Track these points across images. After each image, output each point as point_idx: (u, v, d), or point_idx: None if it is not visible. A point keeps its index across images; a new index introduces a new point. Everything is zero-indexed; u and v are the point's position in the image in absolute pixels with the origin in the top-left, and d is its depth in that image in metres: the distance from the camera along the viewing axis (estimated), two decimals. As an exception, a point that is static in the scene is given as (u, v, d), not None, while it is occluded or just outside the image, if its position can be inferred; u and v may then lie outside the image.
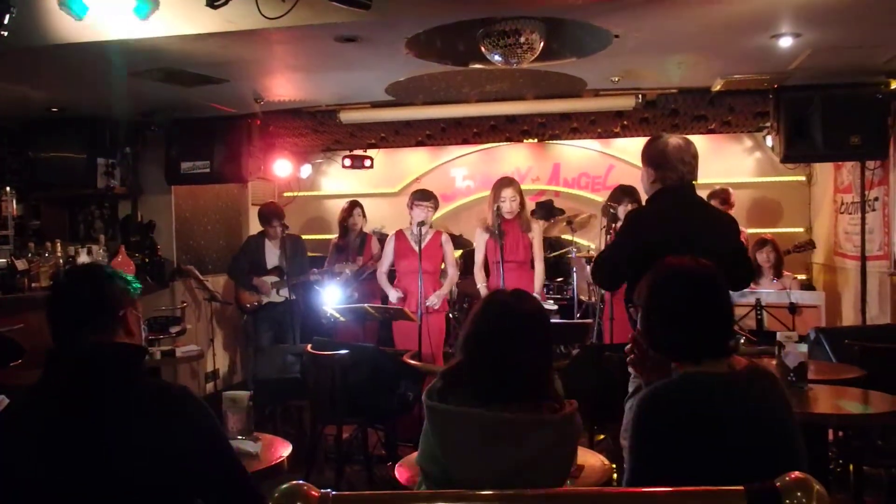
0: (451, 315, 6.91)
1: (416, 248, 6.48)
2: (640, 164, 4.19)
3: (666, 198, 4.02)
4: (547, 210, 8.38)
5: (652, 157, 4.09)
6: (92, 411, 2.22)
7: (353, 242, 7.86)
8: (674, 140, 4.07)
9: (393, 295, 6.78)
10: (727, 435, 2.27)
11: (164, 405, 2.29)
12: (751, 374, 2.42)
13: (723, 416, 2.30)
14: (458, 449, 2.29)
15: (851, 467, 4.51)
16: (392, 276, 7.01)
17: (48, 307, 2.41)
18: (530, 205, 7.38)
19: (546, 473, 2.27)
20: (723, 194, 7.60)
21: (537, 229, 6.69)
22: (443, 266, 7.00)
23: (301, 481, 1.60)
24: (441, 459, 2.32)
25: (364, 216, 8.01)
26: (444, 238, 6.86)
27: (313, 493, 1.57)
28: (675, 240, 3.61)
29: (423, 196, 6.65)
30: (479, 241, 6.71)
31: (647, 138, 4.21)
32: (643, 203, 6.21)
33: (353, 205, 7.95)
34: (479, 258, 6.72)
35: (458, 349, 2.49)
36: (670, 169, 4.00)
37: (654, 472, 2.30)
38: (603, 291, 6.40)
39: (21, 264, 6.13)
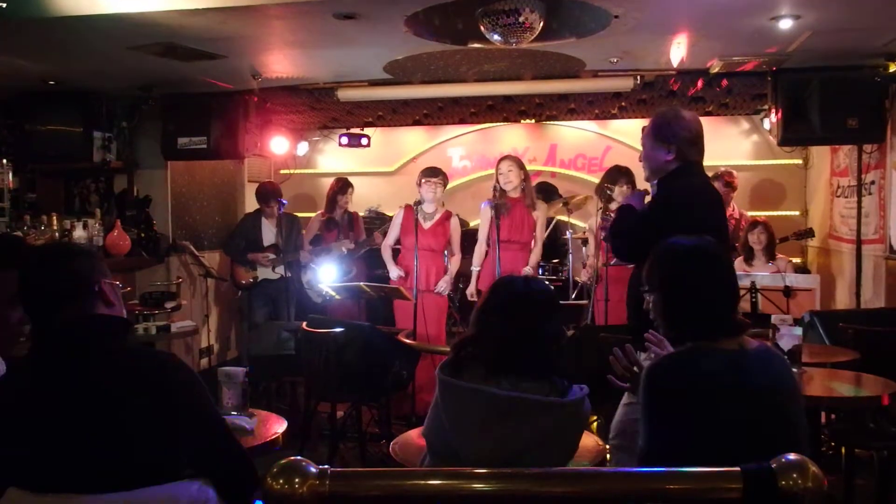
0: (450, 295, 6.91)
1: (422, 226, 6.47)
2: (637, 145, 4.07)
3: (701, 176, 3.77)
4: (547, 192, 8.38)
5: (676, 132, 3.67)
6: (79, 384, 2.22)
7: (342, 219, 7.86)
8: (690, 114, 3.78)
9: (394, 273, 6.75)
10: (731, 409, 2.31)
11: (148, 373, 2.28)
12: (761, 354, 2.45)
13: (730, 389, 2.33)
14: (467, 425, 2.31)
15: (843, 449, 4.54)
16: (396, 250, 6.99)
17: (20, 290, 2.37)
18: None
19: (551, 455, 2.29)
20: (726, 176, 7.41)
21: (542, 210, 6.67)
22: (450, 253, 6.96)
23: (299, 457, 1.61)
24: (449, 434, 2.33)
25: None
26: (453, 218, 6.82)
27: (312, 468, 1.58)
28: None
29: (431, 172, 6.62)
30: (484, 218, 6.65)
31: (644, 115, 3.72)
32: (636, 185, 6.24)
33: (348, 184, 7.93)
34: (482, 235, 6.65)
35: (470, 324, 2.53)
36: (700, 146, 3.72)
37: (668, 435, 2.34)
38: (599, 272, 6.41)
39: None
